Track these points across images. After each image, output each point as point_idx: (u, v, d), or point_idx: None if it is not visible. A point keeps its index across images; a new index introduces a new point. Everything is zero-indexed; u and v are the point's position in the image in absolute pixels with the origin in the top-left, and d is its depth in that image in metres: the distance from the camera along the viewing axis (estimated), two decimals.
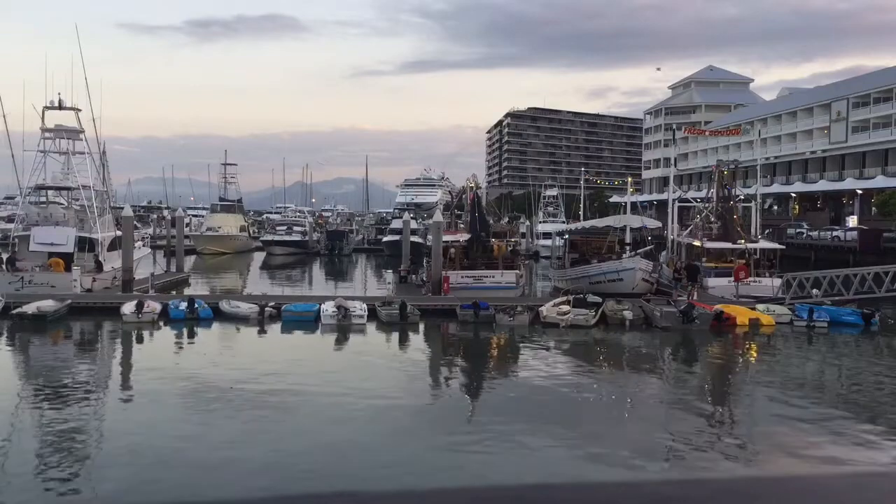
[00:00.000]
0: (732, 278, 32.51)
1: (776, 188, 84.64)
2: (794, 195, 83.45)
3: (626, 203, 51.52)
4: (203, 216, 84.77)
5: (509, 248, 36.60)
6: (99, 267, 33.65)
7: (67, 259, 32.63)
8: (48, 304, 27.34)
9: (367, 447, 13.43)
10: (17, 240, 34.78)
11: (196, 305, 27.53)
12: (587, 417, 16.12)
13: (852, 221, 63.34)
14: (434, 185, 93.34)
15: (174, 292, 36.15)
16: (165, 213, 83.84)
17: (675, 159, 60.50)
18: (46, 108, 35.82)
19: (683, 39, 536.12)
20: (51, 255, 32.87)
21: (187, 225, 66.06)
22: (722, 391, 19.96)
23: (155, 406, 16.16)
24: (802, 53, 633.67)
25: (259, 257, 68.10)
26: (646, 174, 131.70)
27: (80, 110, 36.23)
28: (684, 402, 17.82)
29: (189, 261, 57.02)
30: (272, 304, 28.24)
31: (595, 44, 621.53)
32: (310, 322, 26.95)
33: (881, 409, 17.00)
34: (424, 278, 37.36)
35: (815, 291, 29.82)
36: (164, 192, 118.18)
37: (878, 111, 77.43)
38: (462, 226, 40.41)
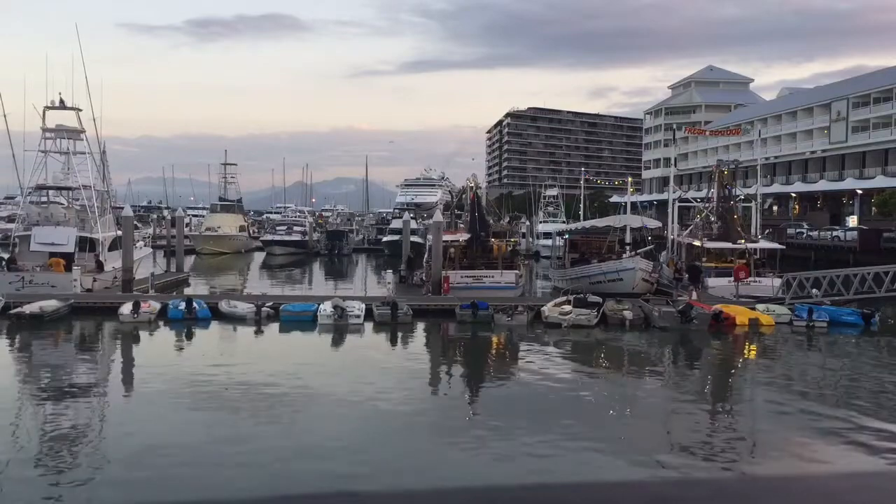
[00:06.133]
0: (732, 278, 32.52)
1: (776, 188, 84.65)
2: (794, 195, 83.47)
3: (626, 203, 51.48)
4: (203, 216, 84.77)
5: (509, 248, 36.60)
6: (99, 267, 33.62)
7: (68, 259, 32.60)
8: (50, 304, 27.35)
9: (365, 447, 13.40)
10: (17, 240, 34.76)
11: (194, 305, 27.56)
12: (587, 417, 16.09)
13: (852, 221, 63.30)
14: (434, 185, 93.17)
15: (174, 292, 36.13)
16: (165, 213, 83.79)
17: (675, 159, 60.51)
18: (47, 107, 35.83)
19: (683, 39, 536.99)
20: (51, 255, 32.82)
21: (187, 225, 66.09)
22: (721, 391, 19.96)
23: (152, 406, 16.13)
24: (803, 53, 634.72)
25: (259, 257, 68.12)
26: (646, 174, 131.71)
27: (80, 110, 36.25)
28: (684, 403, 17.80)
29: (189, 261, 57.03)
30: (270, 304, 28.27)
31: (595, 44, 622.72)
32: (307, 322, 26.95)
33: (881, 409, 16.96)
34: (424, 278, 37.33)
35: (814, 291, 29.80)
36: (164, 192, 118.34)
37: (878, 111, 77.44)
38: (462, 226, 40.38)
